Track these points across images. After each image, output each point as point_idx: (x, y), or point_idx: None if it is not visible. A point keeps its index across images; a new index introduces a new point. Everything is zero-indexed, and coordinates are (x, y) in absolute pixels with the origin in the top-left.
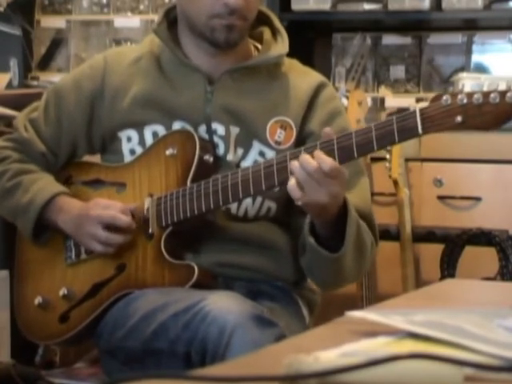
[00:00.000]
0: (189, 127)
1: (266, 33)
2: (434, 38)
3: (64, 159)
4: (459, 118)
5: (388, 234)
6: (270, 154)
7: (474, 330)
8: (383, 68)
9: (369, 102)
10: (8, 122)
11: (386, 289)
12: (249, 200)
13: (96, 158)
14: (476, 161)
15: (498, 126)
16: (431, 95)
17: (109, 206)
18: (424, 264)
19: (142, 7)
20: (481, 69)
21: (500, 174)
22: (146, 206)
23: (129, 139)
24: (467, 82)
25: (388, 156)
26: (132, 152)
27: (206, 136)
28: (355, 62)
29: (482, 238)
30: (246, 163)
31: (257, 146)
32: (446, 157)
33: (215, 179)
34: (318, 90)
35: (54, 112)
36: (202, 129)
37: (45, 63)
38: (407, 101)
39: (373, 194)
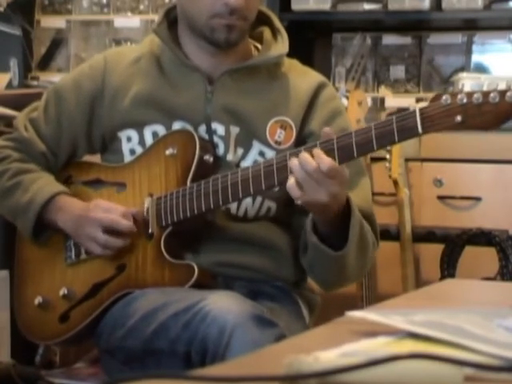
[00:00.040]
0: (189, 127)
1: (266, 33)
2: (434, 38)
3: (64, 159)
4: (459, 118)
5: (388, 234)
6: (270, 154)
7: (473, 330)
8: (383, 68)
9: (369, 102)
10: (8, 121)
11: (386, 289)
12: (249, 200)
13: (96, 158)
14: (476, 161)
15: (498, 125)
16: (431, 95)
17: (110, 209)
18: (424, 264)
19: (141, 7)
20: (481, 69)
21: (500, 174)
22: (145, 206)
23: (129, 139)
24: (467, 82)
25: (388, 156)
26: (132, 152)
27: (206, 136)
28: (355, 62)
29: (482, 237)
30: (246, 163)
31: (257, 146)
32: (446, 157)
33: (215, 179)
34: (318, 90)
35: (54, 112)
36: (202, 129)
37: (45, 63)
38: (407, 101)
39: (373, 194)
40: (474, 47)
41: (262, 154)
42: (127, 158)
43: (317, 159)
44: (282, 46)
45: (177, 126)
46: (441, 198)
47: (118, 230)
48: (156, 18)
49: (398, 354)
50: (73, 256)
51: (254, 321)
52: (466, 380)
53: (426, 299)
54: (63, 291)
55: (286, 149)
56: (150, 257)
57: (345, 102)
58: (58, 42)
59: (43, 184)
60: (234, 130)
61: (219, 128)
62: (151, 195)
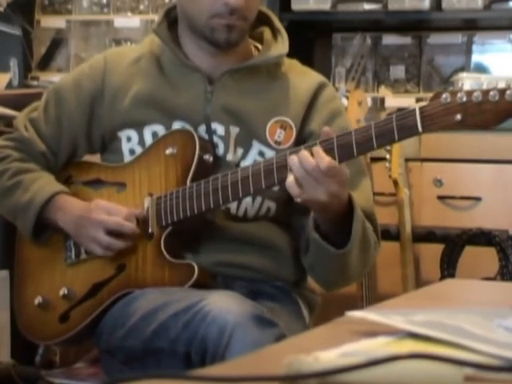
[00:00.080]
0: (188, 127)
1: (267, 33)
2: (434, 38)
3: (64, 159)
4: (459, 116)
5: (388, 234)
6: (270, 154)
7: (473, 330)
8: (383, 68)
9: (369, 102)
10: (8, 121)
11: (386, 289)
12: (248, 200)
13: (96, 158)
14: (476, 161)
15: (498, 123)
16: (431, 95)
17: (113, 211)
18: (424, 264)
19: (141, 7)
20: (481, 69)
21: (500, 174)
22: (145, 206)
23: (128, 139)
24: (467, 82)
25: (388, 156)
26: (132, 152)
27: (206, 136)
28: (355, 62)
29: (482, 237)
30: (246, 163)
31: (256, 146)
32: (446, 157)
33: (215, 178)
34: (319, 90)
35: (55, 112)
36: (202, 129)
37: (45, 63)
38: (407, 101)
39: (373, 194)
40: (474, 47)
41: (261, 154)
42: (127, 157)
43: (316, 158)
44: (282, 46)
45: (176, 126)
46: (441, 197)
47: (122, 233)
48: (156, 18)
49: (398, 354)
50: (73, 256)
51: (254, 321)
52: (466, 380)
53: (426, 299)
54: (63, 291)
55: (286, 149)
56: (150, 256)
57: (345, 102)
58: (58, 42)
59: (43, 183)
60: (234, 130)
61: (219, 128)
62: (151, 195)
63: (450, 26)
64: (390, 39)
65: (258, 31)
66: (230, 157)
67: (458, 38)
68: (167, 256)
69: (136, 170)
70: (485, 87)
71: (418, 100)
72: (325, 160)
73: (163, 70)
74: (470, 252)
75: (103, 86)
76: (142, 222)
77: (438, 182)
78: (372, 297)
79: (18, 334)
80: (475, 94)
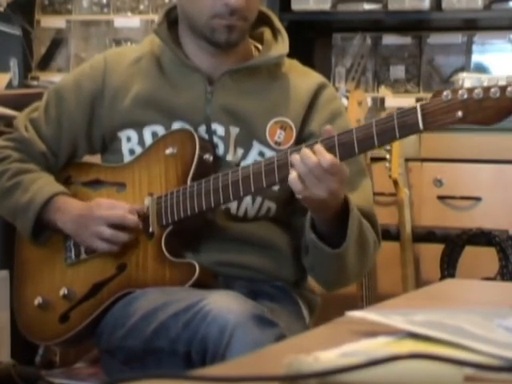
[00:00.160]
0: (188, 127)
1: (267, 33)
2: (434, 38)
3: (64, 159)
4: (460, 114)
5: (388, 234)
6: (270, 155)
7: (473, 330)
8: (383, 68)
9: (369, 102)
10: (8, 122)
11: (386, 289)
12: (248, 200)
13: (96, 158)
14: (476, 161)
15: (499, 120)
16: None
17: (114, 207)
18: (424, 264)
19: (141, 7)
20: (481, 69)
21: (500, 174)
22: (146, 205)
23: (128, 139)
24: (467, 82)
25: (388, 156)
26: (131, 152)
27: (206, 136)
28: (355, 62)
29: (482, 238)
30: (246, 164)
31: (256, 147)
32: (446, 157)
33: (216, 177)
34: (319, 90)
35: (55, 112)
36: (202, 129)
37: (45, 63)
38: (407, 101)
39: (373, 194)
40: (474, 47)
41: (261, 154)
42: (127, 158)
43: (318, 155)
44: (282, 46)
45: (176, 126)
46: (441, 197)
47: (125, 226)
48: (156, 18)
49: (398, 354)
50: (73, 256)
51: (254, 321)
52: (466, 380)
53: (426, 299)
54: (63, 291)
55: (286, 149)
56: (150, 256)
57: (345, 102)
58: (57, 42)
59: (43, 184)
60: (234, 131)
61: (219, 128)
62: (151, 194)
63: (449, 25)
64: (389, 39)
65: (258, 31)
66: (229, 157)
67: (457, 37)
68: (168, 255)
69: (136, 169)
70: (486, 84)
71: (418, 100)
72: (327, 157)
73: (163, 70)
74: (469, 252)
75: (103, 86)
76: (143, 221)
77: (438, 182)
78: (372, 297)
79: (18, 334)
80: (476, 91)
